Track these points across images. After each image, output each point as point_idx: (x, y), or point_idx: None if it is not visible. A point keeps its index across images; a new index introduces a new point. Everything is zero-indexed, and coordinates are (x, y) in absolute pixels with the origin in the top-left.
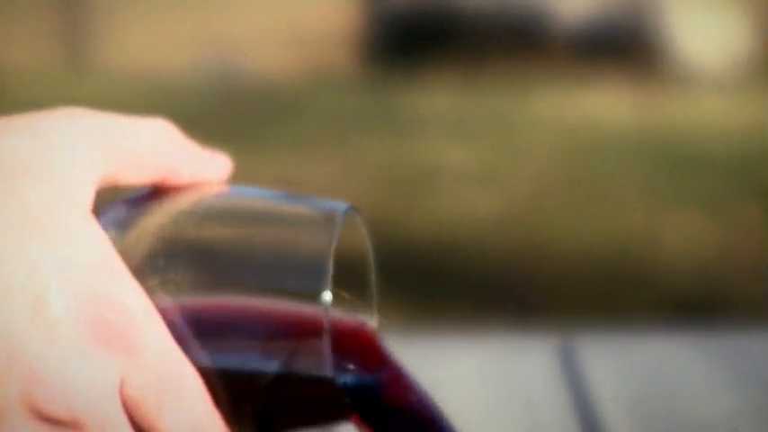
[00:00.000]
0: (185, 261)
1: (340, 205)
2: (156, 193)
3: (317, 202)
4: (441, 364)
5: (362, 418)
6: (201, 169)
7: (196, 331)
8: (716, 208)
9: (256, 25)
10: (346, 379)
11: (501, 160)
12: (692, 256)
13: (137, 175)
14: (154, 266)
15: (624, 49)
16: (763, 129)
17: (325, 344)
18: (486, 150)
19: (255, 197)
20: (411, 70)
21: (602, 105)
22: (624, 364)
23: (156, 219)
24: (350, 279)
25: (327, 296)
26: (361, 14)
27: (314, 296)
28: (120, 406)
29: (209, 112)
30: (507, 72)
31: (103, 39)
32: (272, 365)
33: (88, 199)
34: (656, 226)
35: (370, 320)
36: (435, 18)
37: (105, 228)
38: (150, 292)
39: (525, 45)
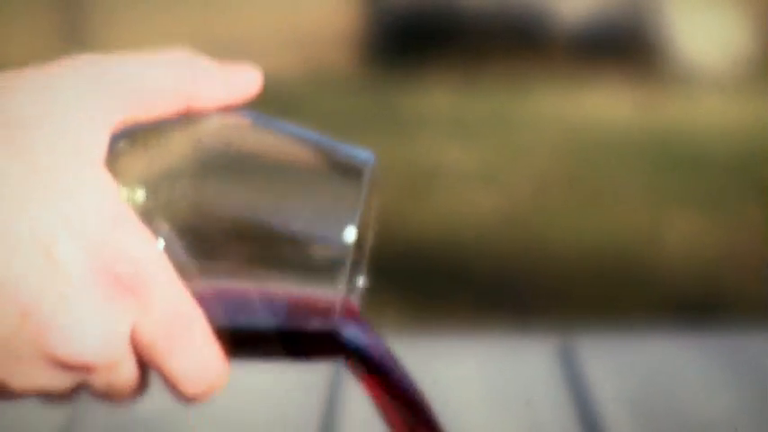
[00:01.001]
0: (196, 194)
1: (365, 154)
2: (179, 116)
3: (341, 146)
4: (441, 365)
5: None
6: (226, 91)
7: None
8: (716, 208)
9: (257, 25)
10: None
11: (501, 160)
12: (693, 256)
13: (155, 111)
14: (165, 199)
15: (624, 49)
16: (763, 129)
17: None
18: (487, 150)
19: (277, 133)
20: (411, 70)
21: (602, 105)
22: (624, 364)
23: (171, 150)
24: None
25: (351, 234)
26: (361, 15)
27: (335, 241)
28: (129, 350)
29: None
30: (507, 72)
31: (103, 38)
32: (278, 310)
33: (99, 150)
34: (656, 226)
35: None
36: (435, 18)
37: (117, 140)
38: (159, 224)
39: (525, 45)
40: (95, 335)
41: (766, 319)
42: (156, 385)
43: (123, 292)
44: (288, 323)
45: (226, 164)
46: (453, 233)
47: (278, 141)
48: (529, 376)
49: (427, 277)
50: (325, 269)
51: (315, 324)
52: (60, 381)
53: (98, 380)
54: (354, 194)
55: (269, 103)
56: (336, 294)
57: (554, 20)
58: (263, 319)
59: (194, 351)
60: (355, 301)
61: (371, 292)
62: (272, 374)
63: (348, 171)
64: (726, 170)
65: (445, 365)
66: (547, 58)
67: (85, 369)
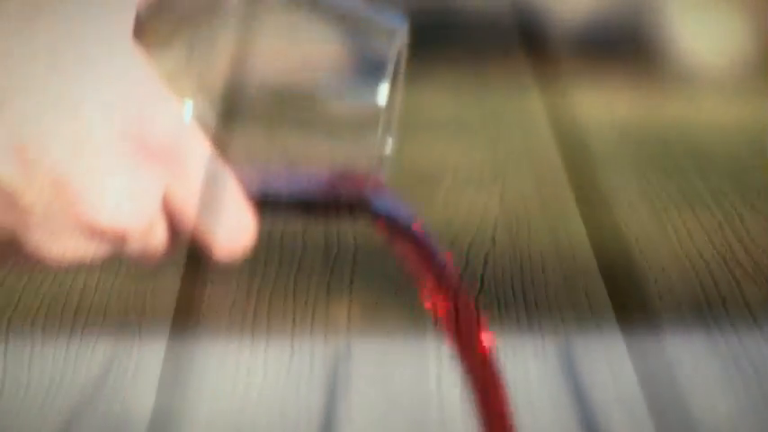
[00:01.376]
0: (225, 60)
1: (397, 16)
2: None
3: (372, 7)
4: (442, 365)
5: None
6: None
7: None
8: (716, 208)
9: None
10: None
11: (500, 160)
12: (693, 256)
13: None
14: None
15: (624, 49)
16: (764, 129)
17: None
18: (487, 150)
19: None
20: (411, 70)
21: (602, 105)
22: (624, 364)
23: (199, 17)
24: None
25: (383, 95)
26: None
27: (367, 102)
28: (161, 215)
29: None
30: (507, 72)
31: None
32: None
33: (127, 18)
34: (656, 226)
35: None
36: (435, 18)
37: (145, 8)
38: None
39: (525, 45)
40: (128, 202)
41: (766, 319)
42: (154, 386)
43: (153, 158)
44: (318, 192)
45: (254, 28)
46: (453, 233)
47: (308, 2)
48: (529, 376)
49: None
50: (356, 132)
51: (346, 193)
52: (95, 249)
53: (131, 246)
54: (386, 56)
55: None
56: (367, 159)
57: (554, 20)
58: (293, 188)
59: (225, 214)
60: (382, 168)
61: (373, 294)
62: (272, 375)
63: (380, 33)
64: (726, 170)
65: (446, 365)
66: (546, 58)
67: (119, 236)
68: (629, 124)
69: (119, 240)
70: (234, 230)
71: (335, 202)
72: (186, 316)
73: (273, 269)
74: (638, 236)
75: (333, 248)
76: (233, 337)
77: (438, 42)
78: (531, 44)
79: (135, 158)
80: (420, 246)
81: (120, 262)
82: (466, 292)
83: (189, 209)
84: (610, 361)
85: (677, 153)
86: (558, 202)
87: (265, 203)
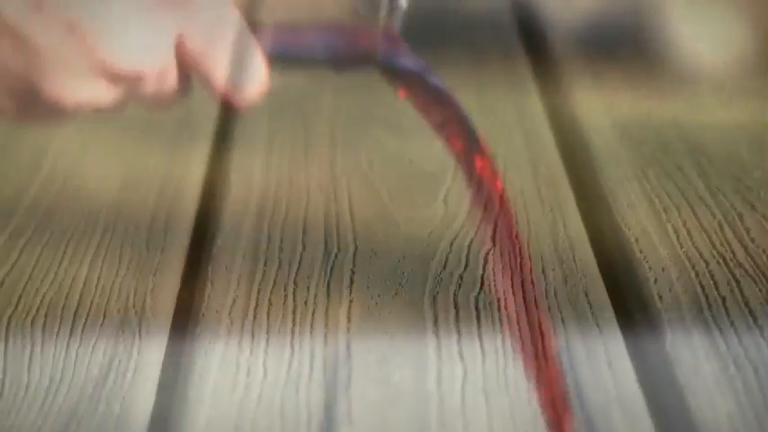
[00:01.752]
0: None
1: None
2: None
3: None
4: (443, 364)
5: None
6: None
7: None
8: (716, 208)
9: None
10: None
11: (500, 160)
12: (693, 256)
13: None
14: None
15: (624, 49)
16: (764, 129)
17: None
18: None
19: None
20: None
21: (602, 105)
22: (624, 364)
23: None
24: None
25: None
26: None
27: None
28: (174, 58)
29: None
30: (507, 72)
31: None
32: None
33: None
34: (656, 226)
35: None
36: (435, 18)
37: None
38: None
39: (525, 45)
40: (142, 44)
41: (766, 319)
42: (154, 386)
43: (166, 2)
44: (333, 46)
45: None
46: (453, 233)
47: None
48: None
49: (426, 277)
50: None
51: (357, 50)
52: (110, 93)
53: (145, 89)
54: None
55: (270, 103)
56: (378, 18)
57: (554, 20)
58: (309, 42)
59: (243, 65)
60: (396, 22)
61: (373, 294)
62: (272, 375)
63: None
64: (726, 170)
65: (447, 365)
66: (546, 58)
67: (133, 78)
68: (629, 124)
69: (132, 83)
70: (250, 79)
71: (350, 55)
72: (186, 316)
73: (273, 269)
74: (638, 236)
75: (333, 248)
76: (233, 337)
77: (438, 42)
78: (531, 44)
79: (148, 2)
80: (433, 93)
81: (120, 261)
82: (486, 151)
83: (202, 54)
84: (610, 361)
85: (677, 153)
86: (558, 202)
87: (281, 56)
